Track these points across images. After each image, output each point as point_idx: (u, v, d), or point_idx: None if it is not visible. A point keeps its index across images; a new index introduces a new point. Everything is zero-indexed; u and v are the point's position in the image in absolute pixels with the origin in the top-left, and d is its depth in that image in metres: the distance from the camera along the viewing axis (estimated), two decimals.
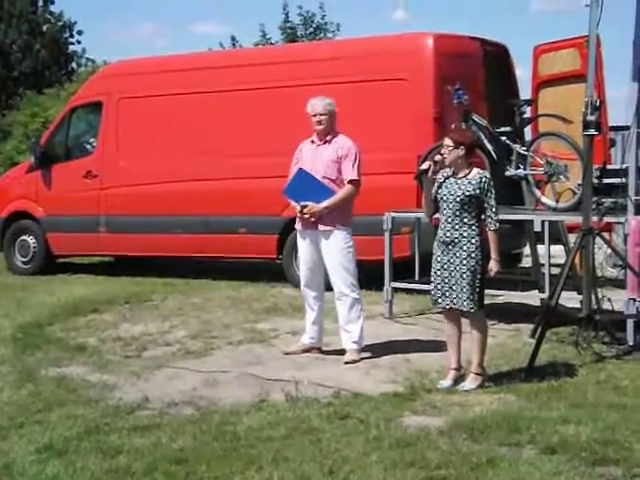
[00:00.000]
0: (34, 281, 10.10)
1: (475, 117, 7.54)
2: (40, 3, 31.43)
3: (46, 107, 22.39)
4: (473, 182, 5.25)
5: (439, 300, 5.32)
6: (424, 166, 5.35)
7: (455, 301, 5.23)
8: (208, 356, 6.24)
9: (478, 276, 5.22)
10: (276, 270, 9.37)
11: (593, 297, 5.93)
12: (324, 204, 5.96)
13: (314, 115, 6.06)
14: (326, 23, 25.78)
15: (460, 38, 9.10)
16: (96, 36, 37.08)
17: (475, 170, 5.34)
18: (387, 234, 7.49)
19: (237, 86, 9.52)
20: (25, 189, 11.02)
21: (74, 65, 31.78)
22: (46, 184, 10.82)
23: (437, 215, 5.44)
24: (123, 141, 10.34)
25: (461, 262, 5.21)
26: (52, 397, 5.13)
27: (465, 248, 5.21)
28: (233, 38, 25.47)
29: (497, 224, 5.26)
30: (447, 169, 5.34)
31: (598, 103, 5.68)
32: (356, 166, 6.04)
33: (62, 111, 11.62)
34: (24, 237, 10.99)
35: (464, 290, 5.20)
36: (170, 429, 4.50)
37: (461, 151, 5.27)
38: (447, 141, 5.31)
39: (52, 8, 31.50)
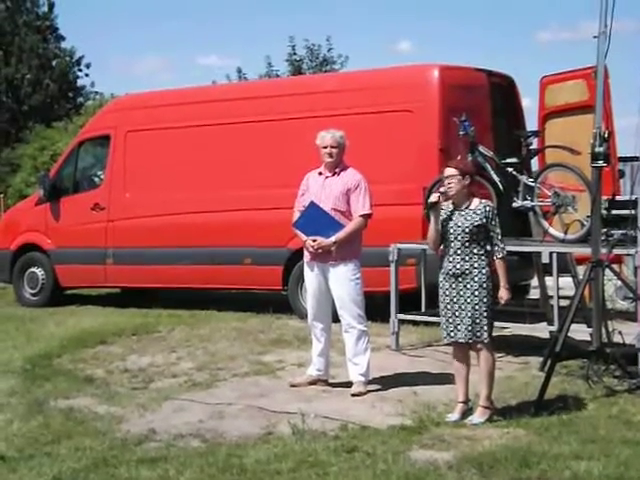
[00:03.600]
0: (43, 313, 10.11)
1: (481, 148, 7.56)
2: (52, 40, 31.88)
3: (55, 140, 22.61)
4: (478, 212, 5.25)
5: (451, 334, 5.28)
6: (434, 198, 5.32)
7: (468, 333, 5.19)
8: (214, 388, 6.21)
9: (490, 306, 5.20)
10: (282, 301, 9.35)
11: (603, 330, 5.89)
12: (333, 239, 5.96)
13: (324, 147, 6.08)
14: (332, 56, 26.07)
15: (466, 70, 9.15)
16: (104, 70, 37.57)
17: (476, 200, 5.33)
18: (393, 265, 7.47)
19: (243, 118, 9.58)
20: (34, 221, 11.07)
21: (82, 99, 32.13)
22: (54, 217, 10.88)
23: (441, 247, 5.43)
24: (130, 174, 10.40)
25: (472, 293, 5.19)
26: (61, 429, 5.13)
27: (477, 279, 5.19)
28: (239, 70, 25.78)
29: (504, 252, 5.26)
30: (447, 202, 5.33)
31: (607, 134, 5.68)
32: (367, 199, 6.05)
33: (70, 144, 11.72)
34: (33, 269, 11.02)
35: (477, 321, 5.17)
36: (177, 462, 4.48)
37: (466, 181, 5.27)
38: (451, 171, 5.29)
39: (63, 44, 31.97)
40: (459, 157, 7.25)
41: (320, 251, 5.99)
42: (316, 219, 5.99)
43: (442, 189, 5.32)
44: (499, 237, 5.25)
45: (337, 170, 6.10)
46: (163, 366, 6.97)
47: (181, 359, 7.23)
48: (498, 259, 5.24)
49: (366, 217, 6.06)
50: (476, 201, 5.31)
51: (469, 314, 5.18)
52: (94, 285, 10.99)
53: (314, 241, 5.99)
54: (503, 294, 5.22)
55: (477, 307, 5.17)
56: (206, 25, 47.19)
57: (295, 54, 25.95)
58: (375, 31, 44.36)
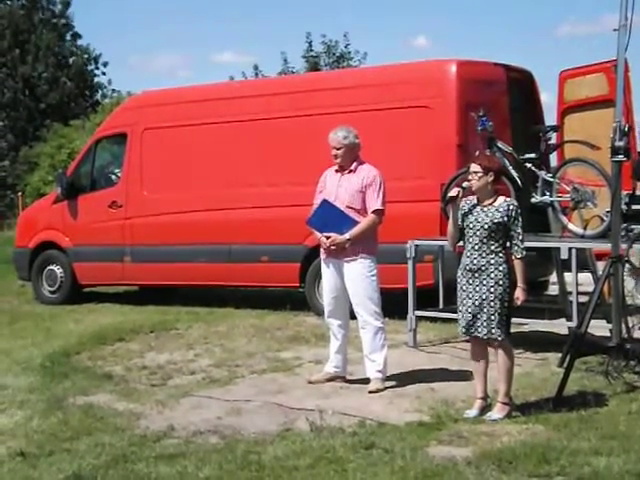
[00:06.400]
0: (61, 310, 10.18)
1: (500, 144, 7.52)
2: (68, 37, 32.05)
3: (72, 138, 22.78)
4: (501, 210, 5.21)
5: (467, 329, 5.26)
6: (453, 193, 5.31)
7: (482, 330, 5.18)
8: (232, 385, 6.23)
9: (506, 304, 5.17)
10: (299, 298, 9.35)
11: (623, 325, 5.84)
12: (347, 235, 5.95)
13: (332, 148, 6.07)
14: (350, 52, 26.03)
15: (484, 64, 9.09)
16: (121, 68, 37.77)
17: (501, 198, 5.31)
18: (410, 262, 7.44)
19: (259, 115, 9.58)
20: (52, 220, 11.13)
21: (99, 97, 32.29)
22: (72, 214, 10.93)
23: (460, 243, 5.40)
24: (147, 171, 10.43)
25: (488, 290, 5.16)
26: (80, 425, 5.16)
27: (493, 275, 5.17)
28: (255, 67, 25.83)
29: (524, 252, 5.21)
30: (470, 197, 5.31)
31: (627, 128, 5.63)
32: (381, 195, 6.03)
33: (87, 142, 11.78)
34: (51, 267, 11.09)
35: (492, 318, 5.15)
36: (196, 458, 4.49)
37: (490, 177, 5.24)
38: (475, 167, 5.27)
39: (79, 42, 32.14)
40: (477, 152, 7.21)
41: (334, 248, 5.99)
42: (329, 216, 5.99)
43: (464, 184, 5.30)
44: (520, 237, 5.20)
45: (353, 167, 6.09)
46: (181, 363, 6.99)
47: (199, 356, 7.25)
48: (517, 259, 5.21)
49: (379, 213, 6.04)
50: (501, 199, 5.28)
51: (484, 310, 5.15)
52: (112, 283, 11.03)
53: (328, 238, 5.98)
54: (519, 294, 5.18)
55: (492, 304, 5.14)
56: (223, 22, 47.36)
57: (312, 50, 25.96)
58: (392, 27, 44.35)
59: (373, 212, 6.01)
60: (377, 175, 6.06)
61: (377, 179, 6.04)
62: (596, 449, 4.40)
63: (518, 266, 5.21)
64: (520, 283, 5.19)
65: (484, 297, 5.16)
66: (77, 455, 4.59)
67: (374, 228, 6.08)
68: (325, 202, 6.02)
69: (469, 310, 5.21)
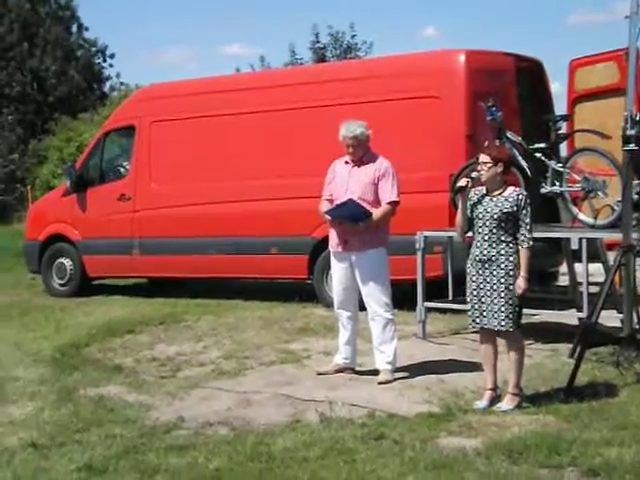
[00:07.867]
0: (71, 303, 10.21)
1: (509, 134, 7.47)
2: (74, 29, 32.04)
3: (80, 131, 22.78)
4: (510, 199, 5.19)
5: (476, 320, 5.24)
6: (462, 183, 5.29)
7: (492, 321, 5.16)
8: (242, 376, 6.23)
9: (516, 294, 5.14)
10: (307, 290, 9.35)
11: (634, 316, 5.81)
12: (361, 224, 5.92)
13: (349, 145, 6.04)
14: (357, 43, 25.87)
15: (493, 54, 9.04)
16: (130, 61, 37.78)
17: (510, 188, 5.28)
18: (419, 253, 7.42)
19: (267, 107, 9.55)
20: (61, 212, 11.15)
21: (107, 89, 32.29)
22: (81, 207, 10.95)
23: (469, 234, 5.38)
24: (155, 164, 10.43)
25: (499, 280, 5.14)
26: (91, 417, 5.19)
27: (503, 266, 5.14)
28: (262, 58, 25.74)
29: (530, 242, 5.19)
30: (479, 187, 5.29)
31: (638, 117, 5.59)
32: (395, 187, 6.00)
33: (96, 135, 11.78)
34: (61, 259, 11.11)
35: (502, 309, 5.13)
36: (206, 449, 4.50)
37: (499, 168, 5.21)
38: (484, 157, 5.25)
39: (86, 34, 32.12)
40: (486, 143, 7.17)
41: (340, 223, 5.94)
42: (350, 212, 5.94)
43: (473, 174, 5.28)
44: (528, 227, 5.17)
45: (364, 159, 6.06)
46: (190, 355, 7.01)
47: (208, 348, 7.26)
48: (523, 248, 5.17)
49: (394, 204, 6.02)
50: (510, 189, 5.26)
51: (495, 301, 5.13)
52: (121, 275, 11.05)
53: (340, 224, 5.92)
54: (521, 283, 5.14)
55: (503, 294, 5.12)
56: (230, 14, 47.32)
57: (319, 42, 25.81)
58: (401, 18, 44.18)
59: (388, 203, 5.98)
60: (389, 166, 6.03)
61: (389, 170, 6.02)
62: (607, 440, 4.38)
63: (523, 255, 5.16)
64: (522, 272, 5.15)
65: (494, 288, 5.14)
66: (88, 446, 4.62)
67: (387, 219, 6.06)
68: (351, 201, 5.96)
69: (479, 301, 5.19)
